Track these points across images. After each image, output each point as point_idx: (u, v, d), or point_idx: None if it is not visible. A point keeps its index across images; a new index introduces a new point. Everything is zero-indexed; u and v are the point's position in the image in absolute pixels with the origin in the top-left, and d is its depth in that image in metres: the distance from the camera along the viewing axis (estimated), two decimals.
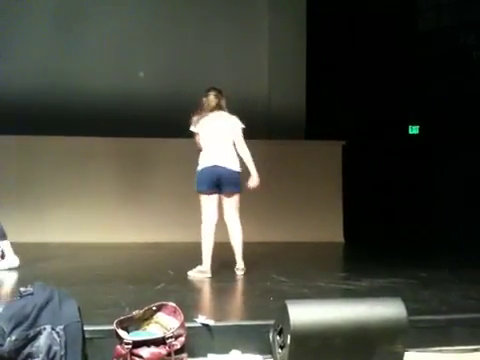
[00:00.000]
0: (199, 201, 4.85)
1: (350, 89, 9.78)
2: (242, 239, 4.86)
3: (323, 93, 9.28)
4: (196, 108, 4.95)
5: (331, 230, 7.33)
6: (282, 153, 7.39)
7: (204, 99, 4.92)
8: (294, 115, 8.13)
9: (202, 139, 4.86)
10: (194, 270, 4.80)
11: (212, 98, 4.89)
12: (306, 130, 8.31)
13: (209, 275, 4.74)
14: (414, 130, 10.47)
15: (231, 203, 4.82)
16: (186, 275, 4.78)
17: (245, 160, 4.86)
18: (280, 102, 8.11)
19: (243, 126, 4.90)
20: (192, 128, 4.90)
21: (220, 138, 4.83)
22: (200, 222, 5.04)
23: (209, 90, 4.95)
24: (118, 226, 6.99)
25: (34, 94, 7.63)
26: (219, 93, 4.93)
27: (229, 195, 4.81)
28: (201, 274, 4.75)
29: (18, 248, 5.63)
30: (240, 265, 4.86)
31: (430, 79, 9.83)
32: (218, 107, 4.89)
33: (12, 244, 5.48)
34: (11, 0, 7.85)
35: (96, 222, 6.97)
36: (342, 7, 9.61)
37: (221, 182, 4.76)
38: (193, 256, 5.78)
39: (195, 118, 4.90)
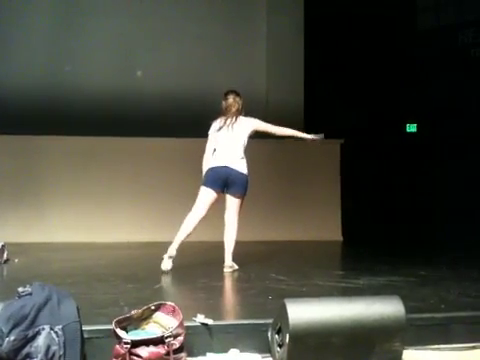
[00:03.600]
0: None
1: (348, 88, 9.78)
2: (235, 239, 4.92)
3: (321, 92, 9.28)
4: (217, 113, 5.04)
5: (329, 229, 7.34)
6: (280, 152, 7.40)
7: (223, 102, 5.03)
8: (292, 114, 8.12)
9: (216, 141, 4.96)
10: (165, 255, 4.85)
11: (231, 102, 5.00)
12: (304, 129, 8.30)
13: (169, 255, 4.78)
14: (412, 128, 10.47)
15: (233, 203, 4.92)
16: (184, 274, 4.80)
17: (290, 133, 5.11)
18: (278, 101, 8.11)
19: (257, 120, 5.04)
20: (210, 132, 4.99)
21: (232, 141, 4.94)
22: (200, 221, 5.06)
23: (228, 94, 5.05)
24: (117, 225, 6.99)
25: (34, 94, 7.64)
26: (237, 96, 5.04)
27: (234, 195, 4.91)
28: (166, 257, 4.81)
29: (17, 248, 5.65)
30: (228, 263, 4.90)
31: (428, 78, 9.83)
32: (236, 111, 4.99)
33: (12, 244, 5.50)
34: None
35: (95, 222, 6.98)
36: (340, 6, 9.61)
37: (229, 182, 4.88)
38: (192, 255, 5.80)
39: (214, 123, 5.00)
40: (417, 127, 10.36)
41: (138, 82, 8.14)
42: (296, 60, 8.30)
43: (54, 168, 7.02)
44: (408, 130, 10.47)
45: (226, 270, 4.88)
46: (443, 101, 9.48)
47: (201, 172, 4.98)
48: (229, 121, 4.95)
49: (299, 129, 8.13)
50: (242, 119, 5.01)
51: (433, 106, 9.67)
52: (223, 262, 4.95)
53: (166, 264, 4.82)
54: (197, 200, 4.92)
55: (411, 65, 10.00)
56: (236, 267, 4.93)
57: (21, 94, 7.63)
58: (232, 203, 4.92)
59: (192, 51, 8.13)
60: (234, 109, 4.97)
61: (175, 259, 5.07)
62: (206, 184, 4.90)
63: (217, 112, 5.07)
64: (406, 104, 10.09)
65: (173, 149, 7.18)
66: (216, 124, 5.00)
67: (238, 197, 4.92)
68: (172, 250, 4.85)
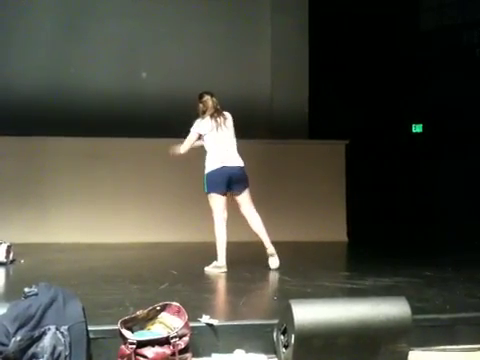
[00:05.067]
0: (207, 201, 4.98)
1: (353, 88, 9.77)
2: (264, 227, 5.07)
3: (326, 92, 9.27)
4: (196, 114, 5.12)
5: (334, 229, 7.32)
6: (285, 152, 7.40)
7: (201, 105, 5.10)
8: (297, 115, 8.13)
9: (208, 141, 5.03)
10: (210, 266, 4.96)
11: (210, 102, 5.08)
12: (309, 130, 8.31)
13: (225, 270, 4.90)
14: (418, 128, 10.46)
15: (245, 198, 5.05)
16: (189, 275, 4.80)
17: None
18: (283, 102, 8.11)
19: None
20: (198, 131, 5.04)
21: (225, 138, 5.04)
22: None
23: (203, 95, 5.13)
24: (121, 226, 7.00)
25: (38, 95, 7.65)
26: (213, 95, 5.13)
27: (241, 191, 5.03)
28: (217, 269, 4.91)
29: (22, 248, 5.67)
30: (271, 250, 5.03)
31: (433, 78, 9.81)
32: (217, 109, 5.07)
33: (17, 245, 5.51)
34: (14, 1, 7.88)
35: (99, 222, 6.98)
36: (344, 7, 9.60)
37: (232, 181, 4.97)
38: (196, 256, 5.81)
39: (201, 122, 5.05)
40: (423, 128, 10.34)
41: (142, 83, 8.14)
42: (300, 60, 8.29)
43: (58, 169, 7.02)
44: (414, 131, 10.45)
45: (270, 252, 5.02)
46: (447, 101, 9.46)
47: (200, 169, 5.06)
48: (220, 120, 5.03)
49: (303, 131, 8.20)
50: (226, 115, 5.11)
51: (437, 106, 9.64)
52: (229, 263, 4.96)
53: (214, 272, 4.93)
54: (214, 208, 4.98)
55: (415, 65, 9.98)
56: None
57: (25, 96, 7.65)
58: (243, 198, 5.04)
59: (196, 52, 8.13)
60: (213, 109, 5.05)
61: (178, 260, 5.10)
62: (213, 190, 4.95)
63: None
64: (409, 105, 10.08)
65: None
66: (206, 124, 5.03)
67: (246, 191, 5.04)
68: (222, 261, 4.92)
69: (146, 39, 8.10)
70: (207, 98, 5.09)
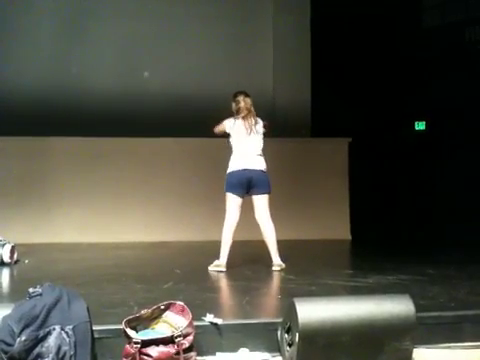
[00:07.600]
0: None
1: (354, 88, 9.75)
2: (275, 237, 4.99)
3: (327, 92, 9.25)
4: (228, 112, 5.10)
5: (338, 227, 7.31)
6: (288, 151, 7.38)
7: (234, 104, 5.08)
8: (299, 113, 8.13)
9: (234, 142, 5.02)
10: (212, 265, 4.95)
11: (242, 103, 5.04)
12: (311, 128, 8.30)
13: (224, 269, 4.87)
14: (421, 126, 10.44)
15: (262, 203, 4.99)
16: (193, 274, 4.82)
17: None
18: (285, 100, 8.11)
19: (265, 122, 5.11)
20: (226, 126, 5.03)
21: (252, 142, 5.00)
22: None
23: (237, 95, 5.09)
24: (125, 226, 7.01)
25: (41, 96, 7.68)
26: (247, 96, 5.09)
27: (260, 195, 4.98)
28: (216, 267, 4.91)
29: (26, 249, 5.68)
30: (276, 261, 4.95)
31: (435, 77, 9.78)
32: (249, 111, 5.03)
33: (20, 245, 5.53)
34: (16, 1, 7.90)
35: (102, 222, 7.00)
36: (346, 6, 9.58)
37: (251, 184, 4.93)
38: (200, 255, 5.82)
39: (231, 122, 5.03)
40: (426, 125, 10.31)
41: (144, 82, 8.15)
42: (303, 59, 8.29)
43: (61, 169, 7.04)
44: (417, 128, 10.44)
45: (275, 269, 4.90)
46: (450, 100, 9.43)
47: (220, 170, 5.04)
48: (251, 122, 4.99)
49: (305, 129, 8.19)
50: (258, 119, 5.08)
51: (440, 106, 9.61)
52: (233, 262, 4.97)
53: (214, 270, 4.91)
54: (227, 207, 4.98)
55: (418, 63, 9.95)
56: (283, 265, 4.95)
57: (28, 96, 7.67)
58: (260, 203, 4.98)
59: (198, 51, 8.14)
60: (246, 110, 5.01)
61: (182, 259, 5.08)
62: (229, 190, 4.96)
63: (228, 111, 5.12)
64: (414, 102, 10.05)
65: (180, 149, 7.18)
66: (236, 126, 4.99)
67: (264, 196, 4.99)
68: (222, 261, 4.90)
69: (147, 39, 8.11)
70: (240, 98, 5.06)
